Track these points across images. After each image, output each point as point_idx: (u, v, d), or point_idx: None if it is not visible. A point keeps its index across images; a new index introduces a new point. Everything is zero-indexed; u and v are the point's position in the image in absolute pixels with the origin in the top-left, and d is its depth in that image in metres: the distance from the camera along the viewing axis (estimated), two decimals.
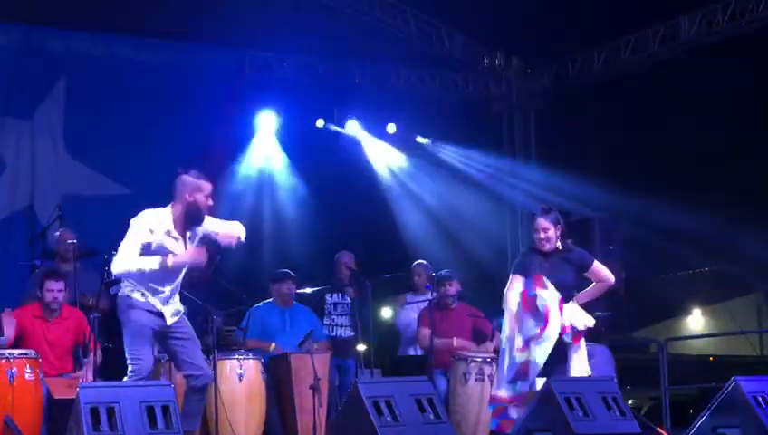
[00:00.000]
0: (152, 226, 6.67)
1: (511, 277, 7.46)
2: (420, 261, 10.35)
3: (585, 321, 7.38)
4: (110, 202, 11.61)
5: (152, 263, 6.60)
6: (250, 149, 12.93)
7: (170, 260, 6.61)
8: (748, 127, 13.06)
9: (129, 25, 11.75)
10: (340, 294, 9.78)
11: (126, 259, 6.62)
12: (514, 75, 14.45)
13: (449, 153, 14.13)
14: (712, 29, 12.18)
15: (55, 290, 8.02)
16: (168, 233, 6.69)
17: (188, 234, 6.78)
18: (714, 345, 18.07)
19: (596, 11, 12.38)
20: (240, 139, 12.82)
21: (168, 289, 6.78)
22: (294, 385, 8.29)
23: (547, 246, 7.37)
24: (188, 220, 6.73)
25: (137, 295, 6.71)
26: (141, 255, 6.63)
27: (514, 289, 7.33)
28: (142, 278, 6.67)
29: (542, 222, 7.39)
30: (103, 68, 11.87)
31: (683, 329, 20.43)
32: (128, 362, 6.73)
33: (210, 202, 6.77)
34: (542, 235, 7.36)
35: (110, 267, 9.28)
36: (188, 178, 6.75)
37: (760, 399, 6.92)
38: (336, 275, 9.89)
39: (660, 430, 9.05)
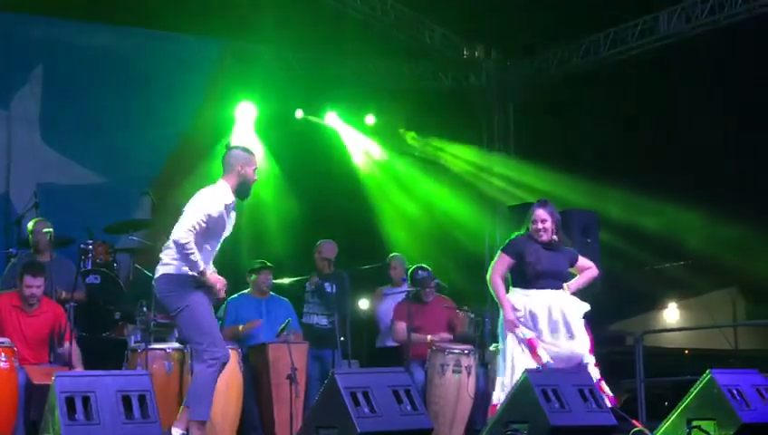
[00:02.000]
0: (218, 202, 6.71)
1: (498, 254, 7.58)
2: (395, 254, 10.36)
3: (581, 308, 7.48)
4: (85, 191, 11.59)
5: (198, 260, 6.62)
6: (229, 140, 12.86)
7: (210, 276, 6.67)
8: (728, 122, 13.13)
9: (108, 14, 11.68)
10: (326, 283, 9.74)
11: (191, 231, 6.57)
12: (494, 68, 14.45)
13: (428, 145, 14.14)
14: (691, 23, 12.22)
15: (33, 286, 7.96)
16: (232, 206, 6.78)
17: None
18: (689, 338, 18.14)
19: (575, 5, 12.41)
20: (219, 129, 12.77)
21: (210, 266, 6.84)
22: (272, 375, 8.29)
23: (545, 237, 7.53)
24: (238, 193, 6.81)
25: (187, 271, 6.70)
26: (203, 229, 6.63)
27: (496, 271, 7.50)
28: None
29: (541, 213, 7.55)
30: (81, 56, 11.81)
31: (659, 322, 20.51)
32: (203, 349, 6.62)
33: (256, 177, 6.87)
34: (540, 226, 7.53)
35: (86, 257, 9.35)
36: (240, 152, 6.88)
37: (734, 391, 6.96)
38: (315, 265, 9.87)
39: (636, 422, 9.07)
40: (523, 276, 7.49)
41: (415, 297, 9.29)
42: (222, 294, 6.93)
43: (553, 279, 7.50)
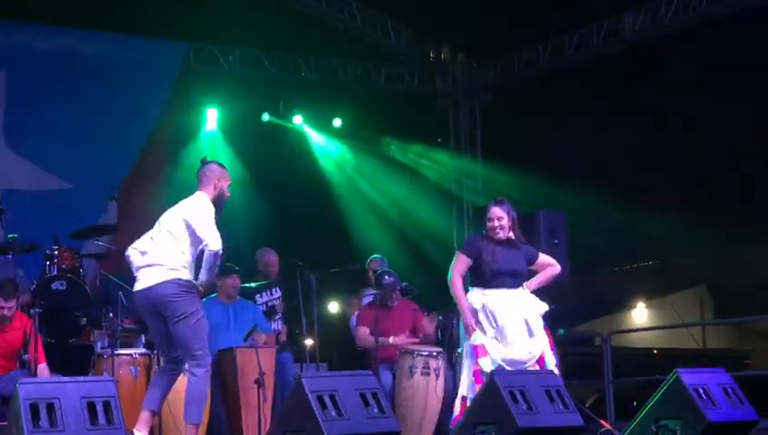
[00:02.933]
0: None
1: (456, 254, 7.61)
2: (376, 256, 10.36)
3: (540, 308, 7.48)
4: (51, 196, 11.50)
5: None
6: (195, 144, 12.84)
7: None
8: (689, 123, 13.20)
9: (71, 17, 11.60)
10: (269, 291, 9.72)
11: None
12: (460, 70, 14.48)
13: (395, 147, 14.15)
14: (656, 24, 12.28)
15: (5, 308, 7.98)
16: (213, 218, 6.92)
17: None
18: (658, 338, 18.20)
19: (541, 6, 12.44)
20: (185, 133, 12.73)
21: None
22: (240, 380, 8.25)
23: (501, 234, 7.51)
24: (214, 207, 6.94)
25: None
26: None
27: (457, 270, 7.53)
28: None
29: (497, 211, 7.54)
30: (45, 61, 11.71)
31: (627, 322, 20.57)
32: (202, 354, 6.86)
33: (229, 193, 7.02)
34: (497, 223, 7.51)
35: (52, 262, 9.29)
36: (217, 166, 7.05)
37: (701, 390, 6.98)
38: (261, 274, 9.82)
39: (604, 423, 9.10)
40: (480, 276, 7.49)
41: (380, 302, 9.29)
42: None
43: (511, 278, 7.49)
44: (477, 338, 7.35)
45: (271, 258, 9.86)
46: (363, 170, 13.97)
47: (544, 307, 7.56)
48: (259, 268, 9.85)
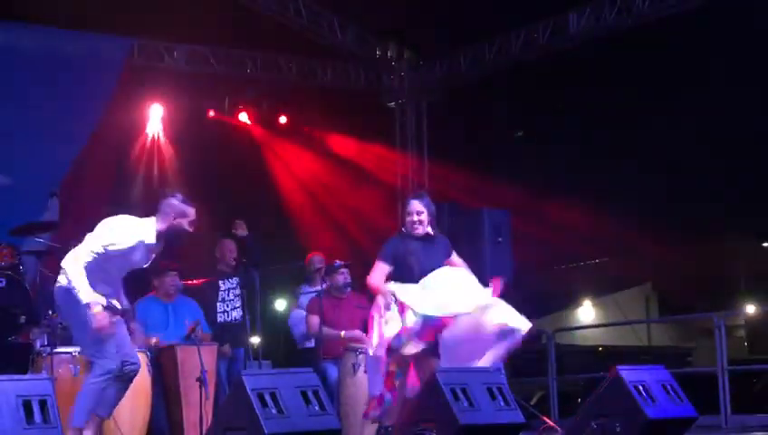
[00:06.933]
0: None
1: (375, 263, 7.33)
2: (315, 253, 10.34)
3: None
4: None
5: None
6: (139, 140, 12.75)
7: None
8: (635, 122, 13.31)
9: (11, 11, 11.43)
10: (233, 279, 9.65)
11: None
12: (407, 67, 14.46)
13: (340, 144, 14.11)
14: (599, 24, 12.35)
15: None
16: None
17: None
18: (604, 336, 18.35)
19: (487, 4, 12.47)
20: (129, 129, 12.62)
21: None
22: (181, 378, 8.20)
23: (420, 230, 7.32)
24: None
25: None
26: None
27: (375, 278, 7.24)
28: None
29: (416, 205, 7.34)
30: None
31: (574, 320, 20.73)
32: None
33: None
34: (416, 217, 7.31)
35: None
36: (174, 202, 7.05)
37: (641, 387, 7.03)
38: (221, 263, 9.77)
39: (546, 420, 9.15)
40: (402, 277, 7.23)
41: (329, 293, 9.26)
42: None
43: None
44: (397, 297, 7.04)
45: (230, 247, 9.79)
46: (308, 168, 13.93)
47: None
48: (217, 256, 9.78)
